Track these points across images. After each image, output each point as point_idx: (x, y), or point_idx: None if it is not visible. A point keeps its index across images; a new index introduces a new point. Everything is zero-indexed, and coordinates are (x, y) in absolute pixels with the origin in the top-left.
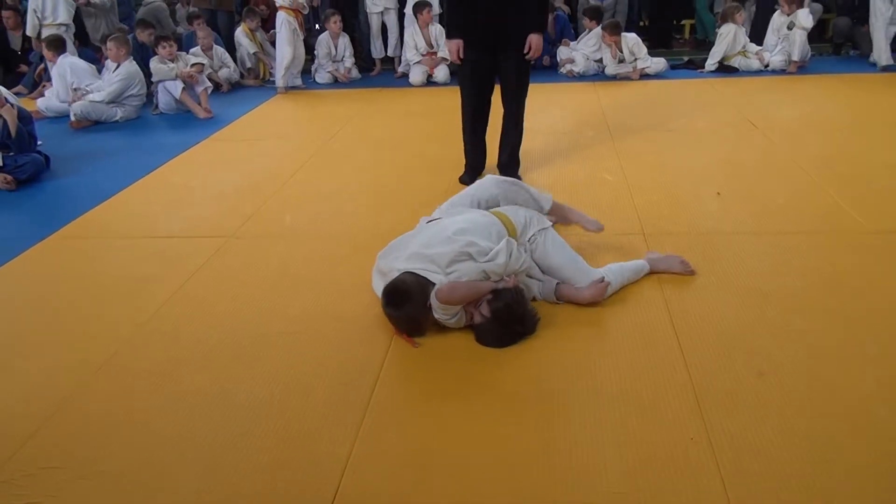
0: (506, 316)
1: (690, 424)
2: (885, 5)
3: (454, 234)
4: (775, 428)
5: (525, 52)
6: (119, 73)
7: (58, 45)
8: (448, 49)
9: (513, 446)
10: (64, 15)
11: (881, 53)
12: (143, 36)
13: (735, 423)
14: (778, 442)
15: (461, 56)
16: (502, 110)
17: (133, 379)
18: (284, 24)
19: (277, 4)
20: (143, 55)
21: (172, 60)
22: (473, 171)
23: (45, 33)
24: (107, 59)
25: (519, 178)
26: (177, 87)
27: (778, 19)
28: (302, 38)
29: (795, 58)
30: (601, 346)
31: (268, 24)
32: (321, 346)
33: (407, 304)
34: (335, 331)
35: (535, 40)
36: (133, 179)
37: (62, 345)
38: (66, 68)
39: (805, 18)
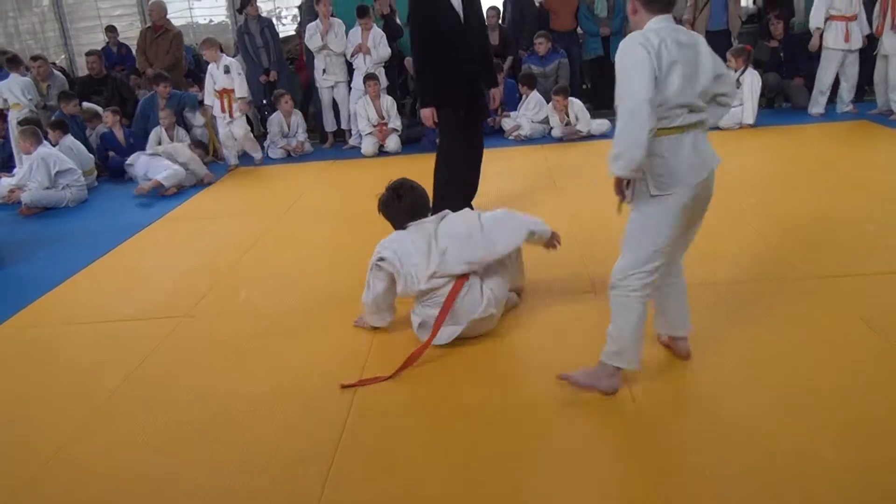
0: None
1: (648, 477)
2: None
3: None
4: (731, 477)
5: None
6: (31, 161)
7: (35, 134)
8: (423, 115)
9: None
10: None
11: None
12: (69, 108)
13: (691, 476)
14: (735, 488)
15: (436, 120)
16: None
17: (85, 469)
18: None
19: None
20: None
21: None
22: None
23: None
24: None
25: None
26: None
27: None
28: (243, 117)
29: (750, 121)
30: (558, 405)
31: None
32: (278, 423)
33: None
34: (292, 407)
35: (496, 92)
36: (85, 264)
37: (10, 437)
38: (52, 157)
39: (749, 84)
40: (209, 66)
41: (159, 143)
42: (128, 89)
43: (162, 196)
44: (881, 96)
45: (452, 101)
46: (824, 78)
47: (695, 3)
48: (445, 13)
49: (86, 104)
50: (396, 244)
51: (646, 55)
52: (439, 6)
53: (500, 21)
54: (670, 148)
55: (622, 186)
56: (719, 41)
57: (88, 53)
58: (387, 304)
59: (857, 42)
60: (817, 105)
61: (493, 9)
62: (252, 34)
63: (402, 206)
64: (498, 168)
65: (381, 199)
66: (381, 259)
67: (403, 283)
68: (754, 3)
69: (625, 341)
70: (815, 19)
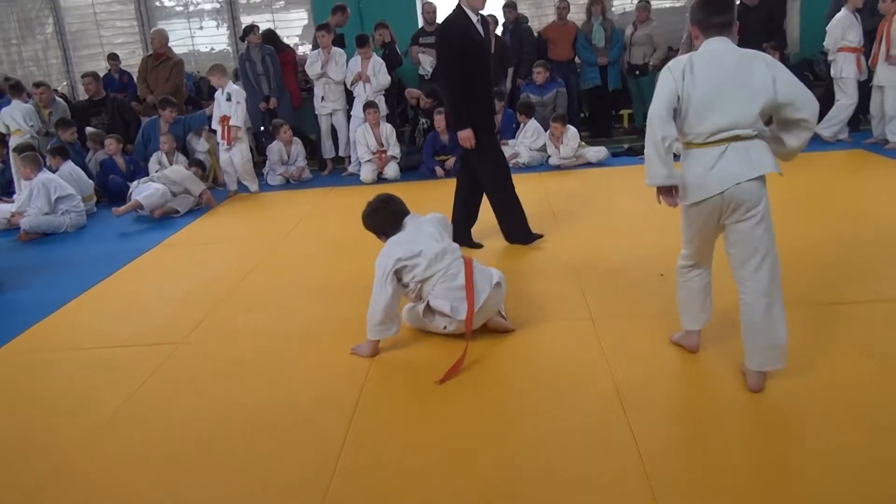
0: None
1: (643, 479)
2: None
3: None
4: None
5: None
6: (31, 187)
7: (35, 160)
8: (462, 137)
9: None
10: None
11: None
12: (67, 136)
13: (681, 480)
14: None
15: (474, 141)
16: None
17: (79, 496)
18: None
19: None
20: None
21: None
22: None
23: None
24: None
25: None
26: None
27: None
28: (247, 140)
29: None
30: (554, 435)
31: None
32: (277, 444)
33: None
34: (290, 428)
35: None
36: (83, 289)
37: (9, 458)
38: (53, 183)
39: None
40: (216, 93)
41: (158, 170)
42: (129, 111)
43: (157, 221)
44: (876, 126)
45: (486, 123)
46: (848, 105)
47: (689, 38)
48: (474, 38)
49: (90, 130)
50: (403, 243)
51: (668, 76)
52: (469, 32)
53: (496, 30)
54: (692, 161)
55: (663, 194)
56: None
57: (84, 75)
58: (394, 312)
59: (866, 72)
60: (828, 130)
61: (491, 16)
62: (253, 61)
63: (392, 207)
64: None
65: (368, 209)
66: (399, 260)
67: (425, 265)
68: None
69: (680, 309)
70: (833, 48)
